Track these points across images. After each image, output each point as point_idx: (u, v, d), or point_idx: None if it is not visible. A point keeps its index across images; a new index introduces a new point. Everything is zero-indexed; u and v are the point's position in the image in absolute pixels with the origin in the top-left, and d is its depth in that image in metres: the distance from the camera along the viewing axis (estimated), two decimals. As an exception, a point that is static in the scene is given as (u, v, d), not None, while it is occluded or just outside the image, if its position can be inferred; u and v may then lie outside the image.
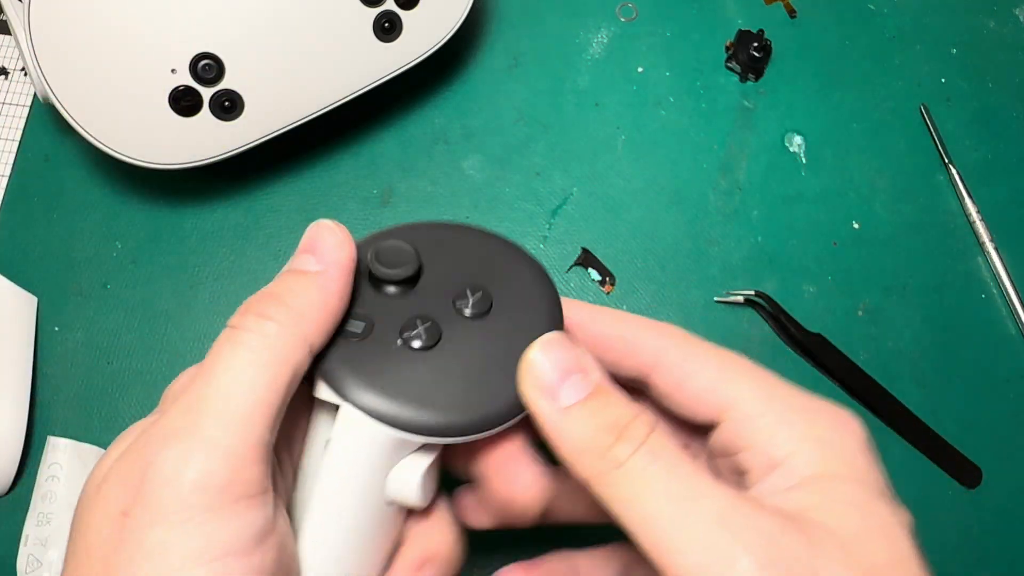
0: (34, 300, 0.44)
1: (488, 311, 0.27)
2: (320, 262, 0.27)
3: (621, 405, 0.25)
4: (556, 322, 0.27)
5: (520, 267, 0.29)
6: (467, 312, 0.27)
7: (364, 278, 0.28)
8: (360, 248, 0.28)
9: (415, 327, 0.26)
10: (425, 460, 0.26)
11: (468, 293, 0.27)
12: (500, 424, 0.26)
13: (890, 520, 0.23)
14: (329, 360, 0.26)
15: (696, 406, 0.27)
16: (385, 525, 0.27)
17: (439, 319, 0.27)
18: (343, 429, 0.25)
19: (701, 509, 0.22)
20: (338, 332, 0.27)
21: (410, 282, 0.28)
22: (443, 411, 0.25)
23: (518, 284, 0.28)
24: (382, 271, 0.27)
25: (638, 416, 0.24)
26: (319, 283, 0.27)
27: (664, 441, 0.24)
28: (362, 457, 0.26)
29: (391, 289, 0.28)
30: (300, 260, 0.28)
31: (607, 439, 0.24)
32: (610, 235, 0.48)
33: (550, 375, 0.25)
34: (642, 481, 0.23)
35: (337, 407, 0.26)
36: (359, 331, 0.27)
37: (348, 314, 0.27)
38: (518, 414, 0.26)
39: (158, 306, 0.45)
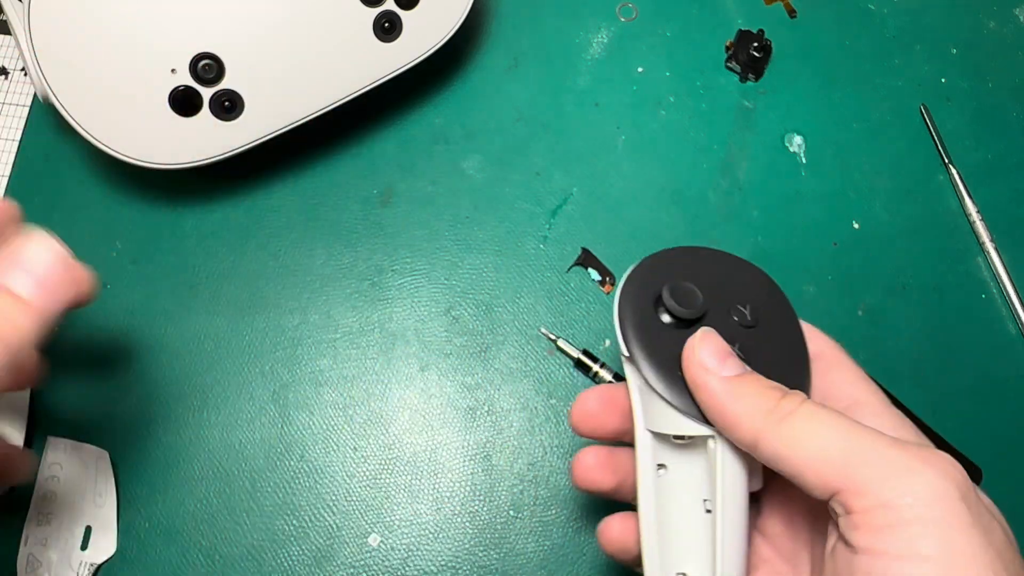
0: None
1: (755, 326, 0.31)
2: (39, 289, 0.28)
3: (771, 382, 0.28)
4: (802, 341, 0.32)
5: (767, 289, 0.33)
6: (744, 327, 0.31)
7: (652, 316, 0.31)
8: (640, 280, 0.32)
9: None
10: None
11: (741, 307, 0.32)
12: None
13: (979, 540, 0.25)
14: (685, 398, 0.30)
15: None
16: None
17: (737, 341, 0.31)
18: (726, 451, 0.29)
19: (869, 440, 0.26)
20: (670, 376, 0.30)
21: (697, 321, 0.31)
22: None
23: (770, 303, 0.33)
24: (680, 312, 0.31)
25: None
26: (37, 319, 0.28)
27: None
28: (741, 469, 0.30)
29: (679, 324, 0.31)
30: (17, 280, 0.28)
31: (774, 395, 0.28)
32: (610, 235, 0.48)
33: (711, 357, 0.29)
34: (813, 422, 0.27)
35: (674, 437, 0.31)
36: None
37: (673, 353, 0.30)
38: None
39: (158, 306, 0.45)
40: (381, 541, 0.42)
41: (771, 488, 0.33)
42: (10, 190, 0.47)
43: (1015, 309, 0.47)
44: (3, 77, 0.49)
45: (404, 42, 0.44)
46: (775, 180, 0.50)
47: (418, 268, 0.47)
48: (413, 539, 0.42)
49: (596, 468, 0.34)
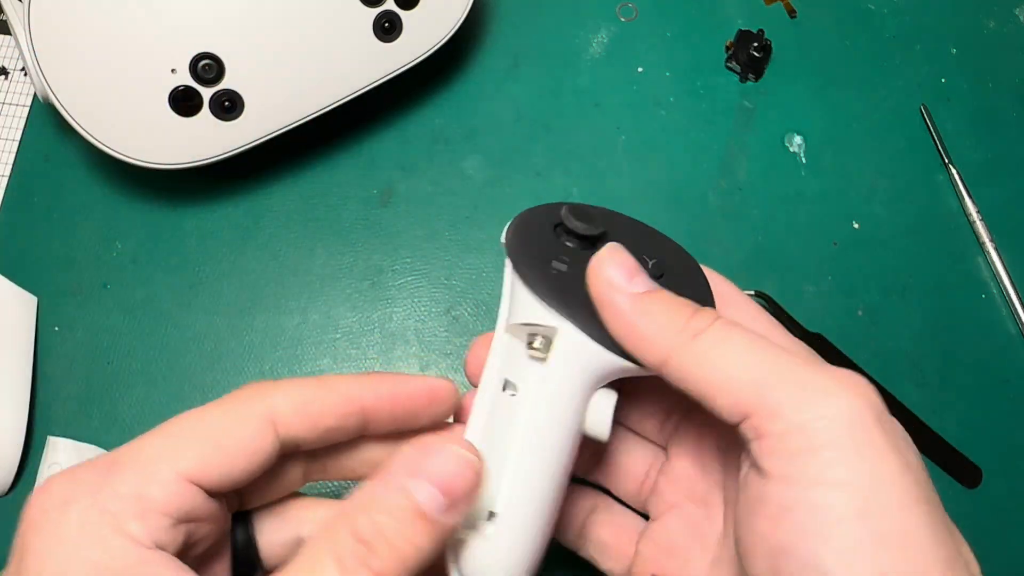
0: (34, 300, 0.44)
1: (661, 276, 0.29)
2: (449, 510, 0.24)
3: (682, 298, 0.26)
4: (708, 288, 0.30)
5: (673, 247, 0.31)
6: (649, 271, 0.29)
7: (550, 232, 0.29)
8: (537, 215, 0.30)
9: None
10: (614, 395, 0.28)
11: (646, 259, 0.29)
12: None
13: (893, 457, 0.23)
14: (540, 283, 0.27)
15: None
16: (573, 457, 0.28)
17: None
18: (563, 352, 0.27)
19: (784, 360, 0.24)
20: (541, 266, 0.28)
21: (598, 240, 0.29)
22: None
23: (675, 259, 0.30)
24: (577, 225, 0.28)
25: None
26: (438, 535, 0.24)
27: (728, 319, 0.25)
28: (578, 382, 0.27)
29: (575, 244, 0.29)
30: (422, 490, 0.24)
31: (686, 311, 0.25)
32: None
33: (619, 273, 0.26)
34: (726, 340, 0.25)
35: (528, 338, 0.27)
36: (564, 268, 0.28)
37: (549, 256, 0.28)
38: None
39: (158, 306, 0.45)
40: (381, 541, 0.42)
41: (680, 431, 0.32)
42: (10, 190, 0.47)
43: (1015, 309, 0.47)
44: (3, 77, 0.49)
45: (404, 42, 0.44)
46: (775, 180, 0.50)
47: (418, 268, 0.47)
48: (413, 539, 0.42)
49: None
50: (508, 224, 0.30)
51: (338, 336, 0.45)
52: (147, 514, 0.23)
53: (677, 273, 0.30)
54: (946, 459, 0.45)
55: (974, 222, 0.49)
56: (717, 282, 0.30)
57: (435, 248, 0.47)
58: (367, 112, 0.49)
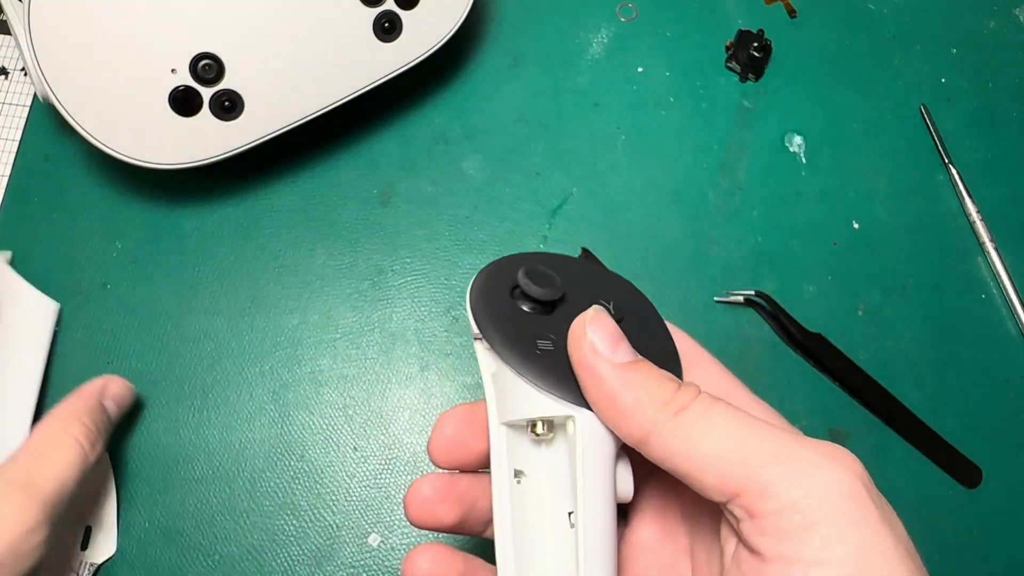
0: (56, 307, 0.44)
1: (621, 320, 0.28)
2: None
3: (664, 371, 0.26)
4: (668, 335, 0.30)
5: (627, 291, 0.31)
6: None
7: (508, 298, 0.29)
8: (493, 282, 0.30)
9: None
10: (626, 457, 0.28)
11: (604, 304, 0.28)
12: None
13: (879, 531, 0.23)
14: (541, 376, 0.27)
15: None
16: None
17: None
18: (589, 436, 0.26)
19: (770, 436, 0.24)
20: (529, 353, 0.27)
21: (558, 303, 0.29)
22: None
23: (635, 303, 0.31)
24: (536, 291, 0.28)
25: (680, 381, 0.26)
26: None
27: (710, 394, 0.25)
28: (607, 461, 0.27)
29: (532, 307, 0.29)
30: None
31: (671, 386, 0.25)
32: (610, 235, 0.48)
33: (603, 340, 0.26)
34: (710, 416, 0.24)
35: (527, 423, 0.27)
36: (551, 347, 0.28)
37: (527, 333, 0.28)
38: None
39: (158, 306, 0.45)
40: (381, 541, 0.42)
41: (643, 497, 0.31)
42: (10, 190, 0.47)
43: (1015, 309, 0.47)
44: (3, 77, 0.49)
45: (404, 42, 0.44)
46: (775, 180, 0.50)
47: (418, 268, 0.47)
48: (413, 539, 0.42)
49: (435, 500, 0.29)
50: (469, 299, 0.29)
51: (338, 336, 0.45)
52: None
53: (637, 316, 0.29)
54: (946, 459, 0.45)
55: (974, 222, 0.49)
56: (679, 338, 0.30)
57: (435, 248, 0.47)
58: (367, 112, 0.49)
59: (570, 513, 0.28)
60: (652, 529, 0.30)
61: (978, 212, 0.49)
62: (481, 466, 0.30)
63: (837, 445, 0.24)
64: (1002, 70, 0.53)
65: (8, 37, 0.50)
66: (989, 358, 0.47)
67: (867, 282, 0.48)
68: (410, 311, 0.46)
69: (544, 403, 0.27)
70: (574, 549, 0.27)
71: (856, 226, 0.49)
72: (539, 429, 0.27)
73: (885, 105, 0.52)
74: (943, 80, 0.53)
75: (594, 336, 0.26)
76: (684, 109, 0.51)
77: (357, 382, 0.44)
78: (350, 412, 0.44)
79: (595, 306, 0.27)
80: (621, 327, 0.27)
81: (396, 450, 0.43)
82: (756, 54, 0.51)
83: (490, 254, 0.47)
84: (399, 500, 0.42)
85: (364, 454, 0.43)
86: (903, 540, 0.23)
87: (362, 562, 0.41)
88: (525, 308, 0.28)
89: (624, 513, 0.31)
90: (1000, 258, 0.48)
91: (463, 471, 0.30)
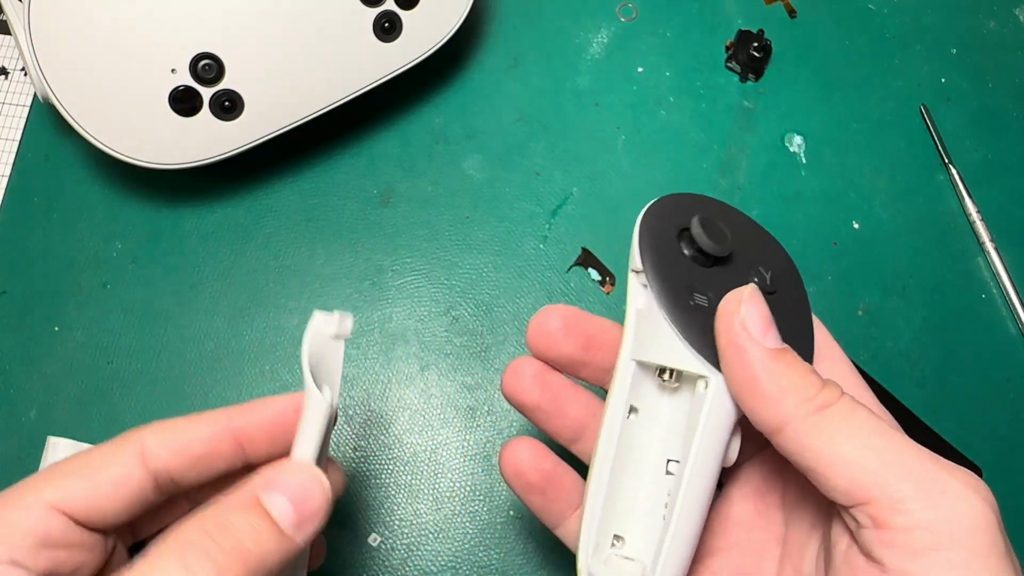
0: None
1: (773, 293, 0.29)
2: (298, 525, 0.25)
3: (809, 365, 0.26)
4: (810, 320, 0.30)
5: (786, 262, 0.31)
6: (767, 290, 0.29)
7: (675, 239, 0.29)
8: (664, 215, 0.29)
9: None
10: (739, 429, 0.28)
11: (762, 271, 0.29)
12: None
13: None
14: (689, 328, 0.27)
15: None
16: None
17: None
18: (718, 401, 0.27)
19: (910, 453, 0.24)
20: (684, 303, 0.27)
21: (723, 259, 0.29)
22: None
23: (787, 277, 0.30)
24: (708, 244, 0.28)
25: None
26: (285, 548, 0.25)
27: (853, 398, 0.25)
28: (726, 428, 0.27)
29: (695, 256, 0.29)
30: (274, 499, 0.25)
31: (816, 381, 0.25)
32: (610, 235, 0.48)
33: (756, 322, 0.26)
34: (851, 420, 0.24)
35: (657, 367, 0.28)
36: (705, 304, 0.28)
37: (686, 282, 0.28)
38: None
39: (158, 306, 0.45)
40: (381, 541, 0.42)
41: (743, 473, 0.31)
42: (10, 190, 0.47)
43: (1015, 309, 0.47)
44: (3, 77, 0.49)
45: (404, 42, 0.44)
46: (775, 180, 0.50)
47: (418, 268, 0.47)
48: (413, 539, 0.42)
49: (529, 379, 0.31)
50: (638, 232, 0.29)
51: (338, 336, 0.45)
52: (7, 535, 0.25)
53: (785, 294, 0.29)
54: (946, 459, 0.45)
55: (974, 222, 0.49)
56: (816, 328, 0.30)
57: (435, 248, 0.47)
58: (367, 112, 0.49)
59: (669, 461, 0.28)
60: (747, 506, 0.31)
61: (978, 212, 0.49)
62: (563, 366, 0.31)
63: (975, 475, 0.25)
64: (1002, 70, 0.53)
65: (8, 37, 0.50)
66: (989, 358, 0.47)
67: (867, 282, 0.48)
68: (410, 311, 0.46)
69: (685, 356, 0.27)
70: (666, 496, 0.27)
71: (856, 226, 0.49)
72: (667, 377, 0.28)
73: (885, 105, 0.52)
74: (943, 80, 0.53)
75: (747, 315, 0.26)
76: (684, 109, 0.51)
77: (357, 382, 0.44)
78: (350, 412, 0.44)
79: (752, 285, 0.27)
80: (771, 301, 0.27)
81: (396, 450, 0.43)
82: (756, 54, 0.51)
83: (490, 254, 0.47)
84: (399, 500, 0.42)
85: (364, 454, 0.43)
86: None
87: (362, 562, 0.41)
88: (687, 252, 0.29)
89: (720, 483, 0.31)
90: (1000, 258, 0.48)
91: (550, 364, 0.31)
